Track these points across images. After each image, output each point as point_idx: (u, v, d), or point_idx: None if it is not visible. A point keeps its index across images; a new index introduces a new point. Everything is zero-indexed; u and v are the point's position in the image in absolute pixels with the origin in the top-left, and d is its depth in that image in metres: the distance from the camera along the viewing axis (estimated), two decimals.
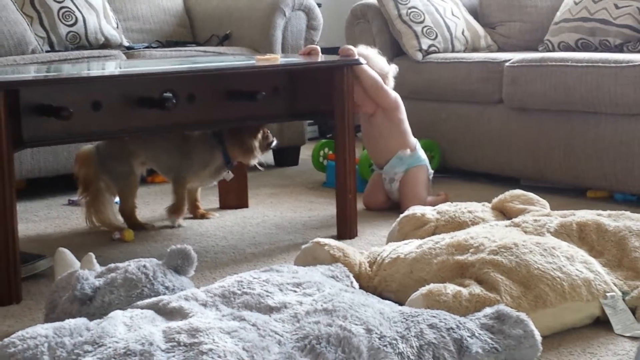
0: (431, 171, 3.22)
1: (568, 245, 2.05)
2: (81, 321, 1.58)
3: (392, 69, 3.19)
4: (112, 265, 1.89)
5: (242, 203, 3.22)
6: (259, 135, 2.93)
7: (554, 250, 1.98)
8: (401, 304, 1.84)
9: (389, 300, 1.87)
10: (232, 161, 2.95)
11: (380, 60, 3.17)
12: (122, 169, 2.82)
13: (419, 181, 3.13)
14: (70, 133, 2.37)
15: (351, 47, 2.94)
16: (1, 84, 2.16)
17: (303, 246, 2.17)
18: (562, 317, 1.87)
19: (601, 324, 1.92)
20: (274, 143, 3.01)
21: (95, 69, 2.71)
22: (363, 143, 3.32)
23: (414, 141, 3.19)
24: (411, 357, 1.55)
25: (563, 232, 2.13)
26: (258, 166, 3.03)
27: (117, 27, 4.01)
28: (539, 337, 1.65)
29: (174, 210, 2.94)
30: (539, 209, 2.35)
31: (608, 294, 1.92)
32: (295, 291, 1.77)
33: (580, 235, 2.13)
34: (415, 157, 3.15)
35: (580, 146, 3.25)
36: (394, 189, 3.14)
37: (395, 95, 3.16)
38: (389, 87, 3.16)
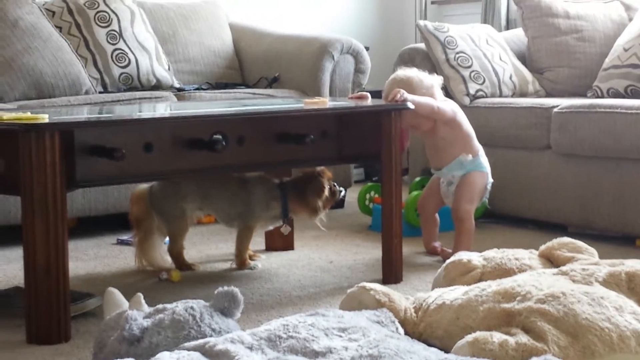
0: (491, 180, 3.13)
1: (617, 295, 2.02)
2: None
3: (436, 81, 3.12)
4: (160, 306, 1.91)
5: (287, 245, 3.24)
6: (324, 194, 2.90)
7: (603, 300, 1.95)
8: (447, 351, 1.83)
9: (435, 347, 1.86)
10: (290, 215, 2.94)
11: (423, 77, 3.10)
12: (174, 211, 2.84)
13: (476, 185, 3.07)
14: (122, 174, 2.41)
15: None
16: (57, 125, 2.21)
17: (349, 290, 2.16)
18: None
19: None
20: (342, 193, 3.00)
21: (147, 111, 2.75)
22: (426, 154, 3.24)
23: (478, 147, 3.13)
24: None
25: (612, 282, 2.10)
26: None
27: (169, 68, 4.08)
28: None
29: (241, 263, 2.96)
30: (587, 258, 2.33)
31: None
32: (340, 336, 1.77)
33: (630, 286, 2.10)
34: (477, 162, 3.09)
35: (630, 194, 3.21)
36: (450, 193, 3.09)
37: (450, 106, 3.10)
38: (439, 98, 3.10)
